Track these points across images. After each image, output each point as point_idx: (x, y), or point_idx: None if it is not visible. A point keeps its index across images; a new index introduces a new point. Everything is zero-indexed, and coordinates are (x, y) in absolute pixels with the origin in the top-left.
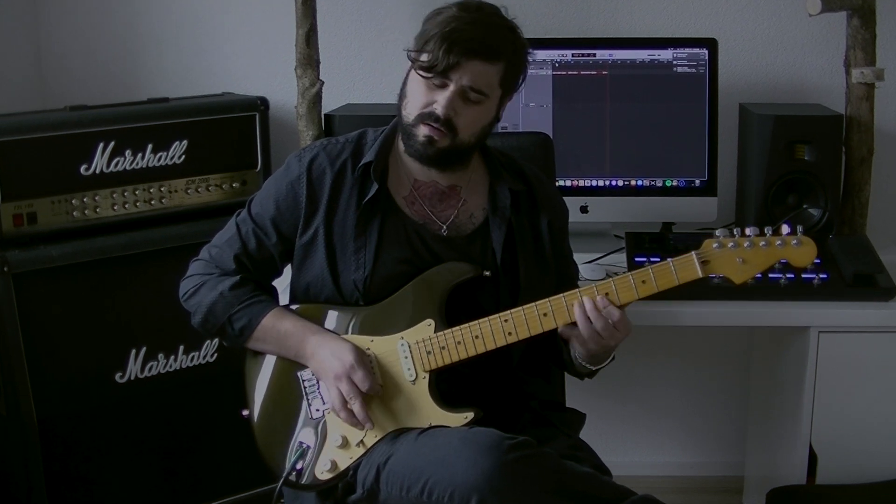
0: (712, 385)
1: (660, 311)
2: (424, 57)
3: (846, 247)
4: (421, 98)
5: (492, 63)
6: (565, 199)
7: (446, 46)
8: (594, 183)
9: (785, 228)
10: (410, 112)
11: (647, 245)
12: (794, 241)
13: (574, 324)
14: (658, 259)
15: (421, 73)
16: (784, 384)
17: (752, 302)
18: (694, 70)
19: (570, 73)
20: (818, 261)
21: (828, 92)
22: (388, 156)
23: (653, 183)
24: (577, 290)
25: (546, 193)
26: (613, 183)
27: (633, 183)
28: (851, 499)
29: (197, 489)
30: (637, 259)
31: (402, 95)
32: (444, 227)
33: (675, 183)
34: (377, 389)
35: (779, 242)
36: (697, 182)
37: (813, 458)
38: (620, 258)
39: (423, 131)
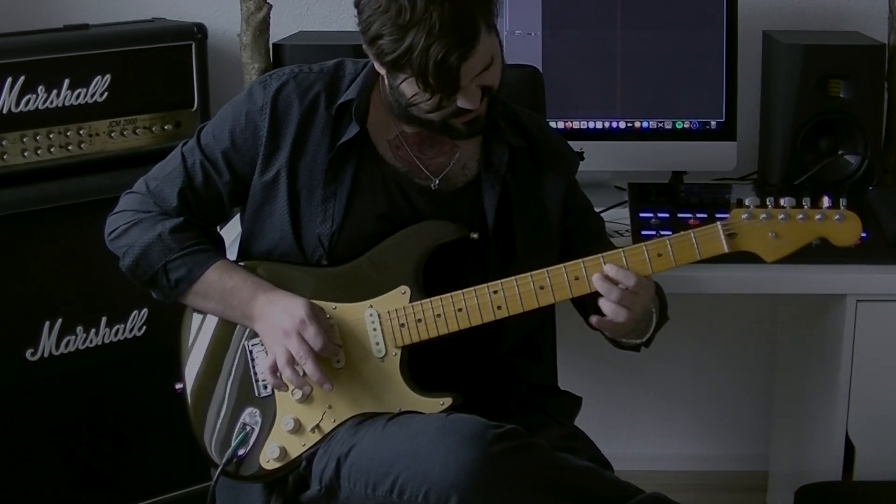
0: (731, 364)
1: (669, 277)
2: (418, 99)
3: (889, 200)
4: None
5: (479, 39)
6: None
7: (436, 78)
8: (591, 125)
9: (826, 200)
10: (431, 117)
11: (654, 198)
12: (837, 217)
13: (587, 303)
14: (667, 215)
15: (430, 114)
16: (815, 363)
17: (778, 266)
18: None
19: None
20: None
21: (867, 18)
22: (370, 94)
23: (661, 125)
24: (580, 260)
25: (551, 148)
26: (614, 125)
27: (637, 125)
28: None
29: (123, 486)
30: (642, 214)
31: (398, 97)
32: (436, 179)
33: (686, 125)
34: (333, 350)
35: (818, 217)
36: (713, 124)
37: (850, 450)
38: (622, 213)
39: (458, 122)
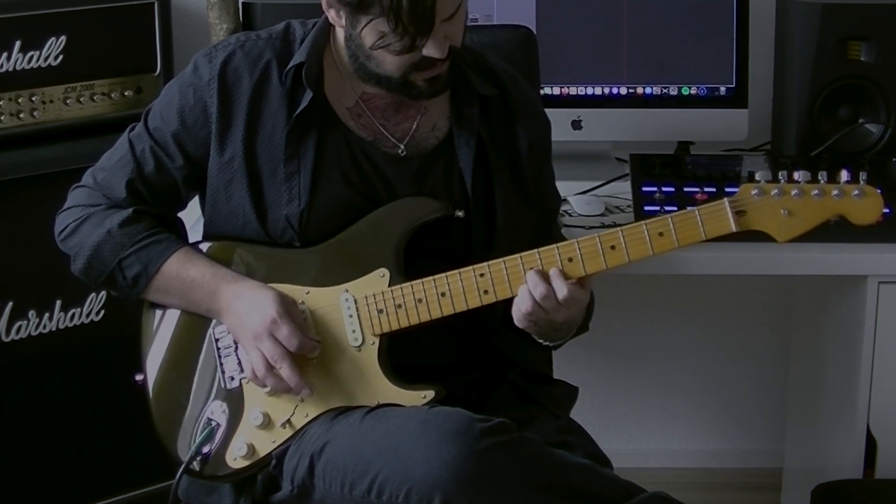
0: (741, 351)
1: (673, 256)
2: (387, 41)
3: None
4: (402, 55)
5: None
6: (553, 111)
7: (410, 14)
8: (590, 91)
9: (844, 174)
10: (391, 70)
11: (658, 171)
12: (856, 192)
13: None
14: (672, 189)
15: (400, 56)
16: (834, 350)
17: (792, 245)
18: None
19: None
20: (878, 190)
21: None
22: (322, 56)
23: (665, 91)
24: (574, 240)
25: (524, 99)
26: (615, 91)
27: (640, 91)
28: None
29: (80, 484)
30: (645, 188)
31: (355, 48)
32: (402, 145)
33: (693, 91)
34: (311, 347)
35: (835, 192)
36: (723, 90)
37: (871, 445)
38: (624, 187)
39: (421, 78)
